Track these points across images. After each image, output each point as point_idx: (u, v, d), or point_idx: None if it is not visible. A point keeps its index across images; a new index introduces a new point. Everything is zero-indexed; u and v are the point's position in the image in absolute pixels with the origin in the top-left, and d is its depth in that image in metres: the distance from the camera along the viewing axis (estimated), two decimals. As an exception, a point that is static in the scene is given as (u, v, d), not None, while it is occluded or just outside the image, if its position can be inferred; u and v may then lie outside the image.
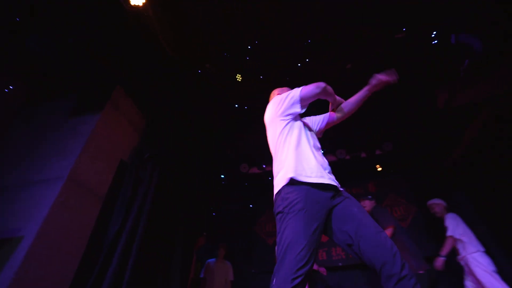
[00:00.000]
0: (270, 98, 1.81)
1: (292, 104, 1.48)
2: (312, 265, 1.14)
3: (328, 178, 1.31)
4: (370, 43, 2.89)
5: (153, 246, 2.88)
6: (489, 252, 3.96)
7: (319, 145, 1.54)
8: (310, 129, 1.61)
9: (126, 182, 2.47)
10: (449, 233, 3.09)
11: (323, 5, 2.69)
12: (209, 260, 4.22)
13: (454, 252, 3.19)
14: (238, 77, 3.27)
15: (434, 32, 2.63)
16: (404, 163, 4.81)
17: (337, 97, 1.66)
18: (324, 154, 2.47)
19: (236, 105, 3.94)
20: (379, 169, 4.84)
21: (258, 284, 4.64)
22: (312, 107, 1.64)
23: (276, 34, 2.98)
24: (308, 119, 1.72)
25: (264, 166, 4.76)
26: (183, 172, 3.63)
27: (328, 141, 4.40)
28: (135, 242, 2.34)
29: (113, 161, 2.64)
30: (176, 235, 3.36)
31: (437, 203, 3.46)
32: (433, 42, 2.70)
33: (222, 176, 5.28)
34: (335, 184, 1.31)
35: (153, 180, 2.67)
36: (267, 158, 4.81)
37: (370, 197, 3.55)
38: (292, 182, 1.26)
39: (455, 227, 3.12)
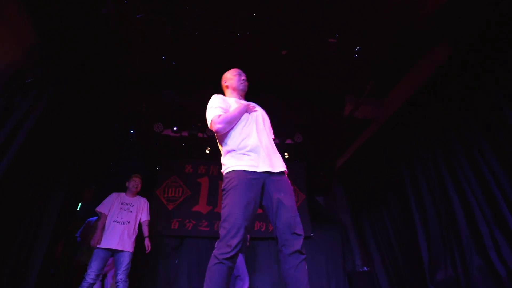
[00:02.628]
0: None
1: None
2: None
3: None
4: (307, 36, 3.05)
5: (21, 190, 2.37)
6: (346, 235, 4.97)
7: None
8: None
9: (-10, 106, 1.90)
10: None
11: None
12: (90, 219, 3.80)
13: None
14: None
15: (358, 48, 3.00)
16: (307, 156, 5.46)
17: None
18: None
19: (164, 57, 3.55)
20: (286, 156, 5.34)
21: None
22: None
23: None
24: None
25: (175, 128, 4.52)
26: (81, 113, 3.08)
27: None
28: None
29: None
30: (56, 183, 2.86)
31: None
32: (355, 56, 3.08)
33: (132, 131, 4.78)
34: None
35: (34, 112, 2.14)
36: (184, 122, 4.63)
37: None
38: None
39: None
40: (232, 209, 1.46)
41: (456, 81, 3.03)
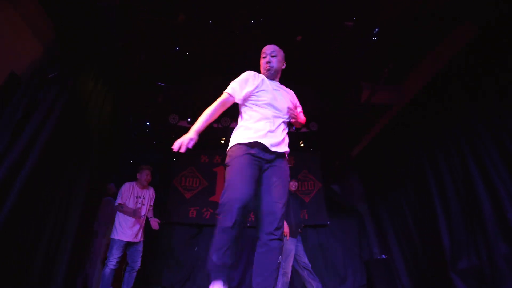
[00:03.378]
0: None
1: None
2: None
3: None
4: (321, 21, 2.94)
5: (46, 185, 2.47)
6: (363, 223, 4.91)
7: None
8: None
9: (16, 102, 1.97)
10: None
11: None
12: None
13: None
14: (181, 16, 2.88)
15: (377, 29, 2.86)
16: (322, 144, 5.38)
17: None
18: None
19: (177, 48, 3.56)
20: (302, 145, 5.30)
21: (168, 234, 4.71)
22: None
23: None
24: None
25: (189, 119, 4.57)
26: (99, 108, 3.16)
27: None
28: (19, 175, 1.96)
29: (-2, 71, 2.05)
30: (79, 178, 2.96)
31: None
32: (374, 38, 2.94)
33: (148, 123, 4.88)
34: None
35: (56, 107, 2.22)
36: (199, 113, 4.65)
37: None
38: None
39: None
40: (232, 179, 1.47)
41: (478, 63, 2.85)
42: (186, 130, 5.57)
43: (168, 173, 5.17)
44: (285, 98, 1.81)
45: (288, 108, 1.74)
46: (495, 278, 2.55)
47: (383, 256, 4.46)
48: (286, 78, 2.08)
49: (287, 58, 1.94)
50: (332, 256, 4.70)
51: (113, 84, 3.59)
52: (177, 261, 4.55)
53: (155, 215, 3.50)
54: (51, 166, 2.44)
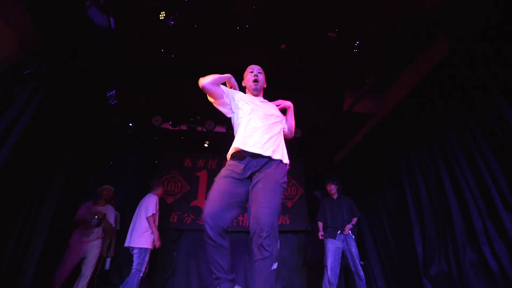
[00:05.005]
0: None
1: None
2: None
3: None
4: (306, 32, 3.03)
5: (16, 187, 2.33)
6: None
7: None
8: None
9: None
10: None
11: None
12: None
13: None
14: (161, 15, 2.83)
15: (357, 42, 2.98)
16: (306, 151, 5.48)
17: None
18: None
19: (163, 50, 3.52)
20: (285, 151, 5.35)
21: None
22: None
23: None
24: None
25: (170, 122, 4.52)
26: (79, 107, 3.06)
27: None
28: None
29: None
30: (53, 178, 2.83)
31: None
32: (354, 50, 3.06)
33: (130, 124, 4.77)
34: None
35: (31, 105, 2.13)
36: (183, 116, 4.60)
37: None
38: None
39: None
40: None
41: (453, 77, 3.03)
42: (169, 132, 5.44)
43: (150, 175, 5.05)
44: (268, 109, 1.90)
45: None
46: (463, 283, 2.68)
47: (361, 262, 4.57)
48: (270, 85, 2.16)
49: (271, 68, 2.04)
50: (311, 260, 4.76)
51: (93, 85, 3.47)
52: (157, 265, 4.44)
53: None
54: (23, 164, 2.31)
